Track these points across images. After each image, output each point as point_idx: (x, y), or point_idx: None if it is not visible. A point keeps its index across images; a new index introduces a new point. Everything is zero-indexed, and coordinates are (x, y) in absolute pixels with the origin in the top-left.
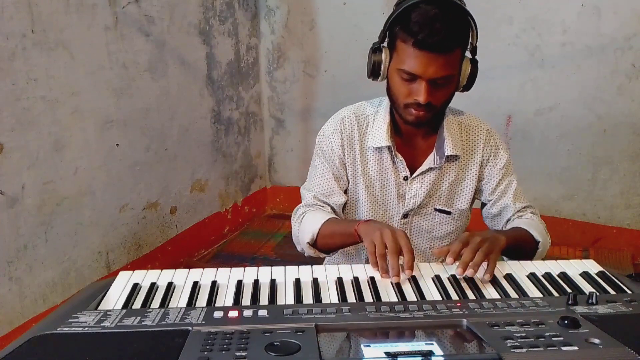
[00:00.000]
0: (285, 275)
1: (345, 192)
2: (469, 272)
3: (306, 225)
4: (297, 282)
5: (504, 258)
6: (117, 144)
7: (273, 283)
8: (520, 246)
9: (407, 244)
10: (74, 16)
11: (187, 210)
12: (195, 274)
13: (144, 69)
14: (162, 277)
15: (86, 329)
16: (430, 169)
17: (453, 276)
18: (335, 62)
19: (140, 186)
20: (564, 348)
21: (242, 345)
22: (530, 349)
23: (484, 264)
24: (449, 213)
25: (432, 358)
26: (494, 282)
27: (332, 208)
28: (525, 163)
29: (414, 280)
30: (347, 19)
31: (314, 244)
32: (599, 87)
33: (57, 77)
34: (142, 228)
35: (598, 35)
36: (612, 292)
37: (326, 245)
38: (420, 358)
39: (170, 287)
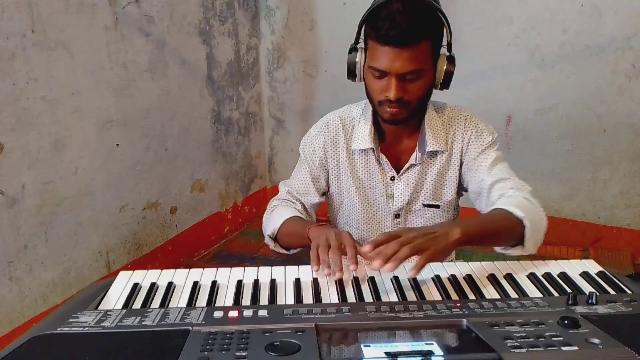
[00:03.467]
0: (285, 275)
1: (323, 194)
2: (386, 267)
3: (272, 219)
4: (297, 282)
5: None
6: (117, 144)
7: (273, 283)
8: (497, 230)
9: (349, 241)
10: (74, 16)
11: (187, 210)
12: (195, 274)
13: (144, 69)
14: (162, 277)
15: (86, 329)
16: (412, 166)
17: (453, 276)
18: (335, 62)
19: (140, 186)
20: (564, 348)
21: (242, 345)
22: (530, 349)
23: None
24: (437, 207)
25: (432, 358)
26: (494, 282)
27: (303, 206)
28: (525, 163)
29: (414, 280)
30: (347, 19)
31: (275, 238)
32: (599, 87)
33: (57, 77)
34: (142, 228)
35: (598, 35)
36: (612, 292)
37: (285, 242)
38: (420, 358)
39: (170, 287)
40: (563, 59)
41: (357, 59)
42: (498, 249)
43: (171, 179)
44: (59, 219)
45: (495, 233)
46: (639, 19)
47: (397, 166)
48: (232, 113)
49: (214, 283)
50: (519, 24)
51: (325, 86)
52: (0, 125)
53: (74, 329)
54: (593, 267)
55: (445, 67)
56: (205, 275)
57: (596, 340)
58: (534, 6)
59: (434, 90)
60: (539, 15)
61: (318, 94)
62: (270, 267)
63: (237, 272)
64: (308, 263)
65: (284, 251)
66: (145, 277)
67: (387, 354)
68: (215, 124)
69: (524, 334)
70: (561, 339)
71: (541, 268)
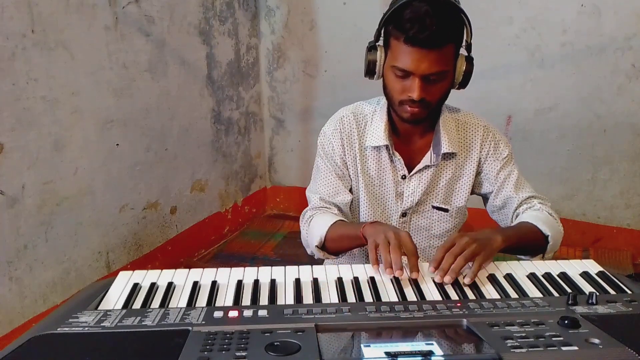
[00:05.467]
0: (285, 275)
1: (350, 190)
2: (445, 279)
3: (314, 228)
4: (297, 282)
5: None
6: (117, 144)
7: (273, 283)
8: (526, 242)
9: (411, 247)
10: (74, 16)
11: (187, 210)
12: (195, 274)
13: (144, 69)
14: (162, 277)
15: (86, 329)
16: (427, 167)
17: None
18: (335, 62)
19: (140, 186)
20: (563, 348)
21: (242, 345)
22: (530, 349)
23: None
24: (446, 210)
25: (432, 358)
26: (494, 282)
27: (338, 208)
28: (525, 163)
29: (414, 280)
30: (347, 19)
31: (322, 247)
32: (599, 87)
33: (57, 77)
34: (142, 228)
35: (598, 35)
36: (612, 292)
37: (334, 248)
38: (420, 358)
39: (170, 287)
40: (563, 59)
41: (377, 57)
42: (520, 256)
43: (171, 179)
44: (59, 219)
45: (525, 244)
46: (639, 19)
47: (409, 165)
48: (232, 113)
49: (214, 283)
50: (519, 24)
51: (325, 86)
52: (0, 125)
53: (74, 329)
54: (593, 267)
55: (464, 68)
56: (205, 276)
57: (596, 340)
58: (534, 6)
59: (458, 90)
60: (539, 15)
61: (318, 94)
62: (270, 267)
63: (237, 272)
64: (308, 263)
65: (334, 257)
66: (145, 277)
67: (387, 354)
68: (215, 124)
69: (524, 334)
70: (561, 339)
71: (541, 268)
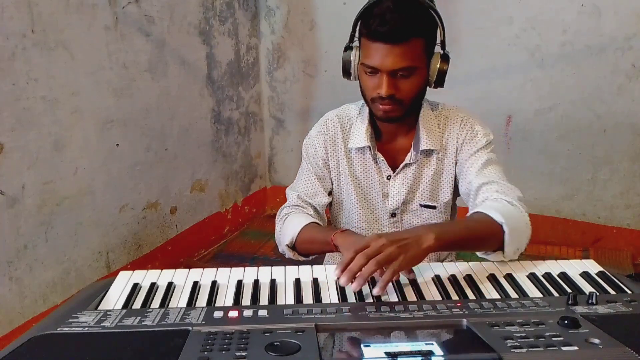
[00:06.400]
0: (285, 275)
1: (330, 193)
2: (353, 286)
3: (287, 227)
4: (297, 282)
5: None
6: (117, 144)
7: (273, 283)
8: (477, 235)
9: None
10: (74, 16)
11: (187, 210)
12: (195, 274)
13: (144, 69)
14: (162, 277)
15: (86, 329)
16: (408, 165)
17: (453, 276)
18: (335, 62)
19: (140, 186)
20: (564, 348)
21: (242, 345)
22: (530, 349)
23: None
24: (434, 207)
25: (432, 358)
26: (494, 282)
27: (314, 209)
28: (525, 163)
29: (414, 280)
30: (347, 19)
31: (293, 247)
32: (599, 87)
33: (57, 77)
34: (142, 228)
35: (598, 35)
36: (612, 292)
37: (304, 250)
38: (420, 358)
39: (170, 287)
40: (563, 59)
41: (351, 58)
42: (479, 254)
43: (171, 179)
44: (59, 219)
45: (473, 238)
46: (639, 19)
47: (394, 165)
48: (232, 113)
49: (214, 283)
50: (519, 24)
51: (325, 86)
52: (0, 125)
53: (74, 329)
54: (593, 267)
55: (438, 66)
56: (205, 275)
57: (596, 340)
58: (534, 6)
59: (433, 89)
60: (539, 15)
61: (318, 94)
62: (270, 267)
63: (237, 272)
64: (308, 263)
65: (303, 258)
66: (145, 277)
67: (387, 354)
68: (215, 124)
69: (524, 334)
70: (561, 339)
71: (541, 268)
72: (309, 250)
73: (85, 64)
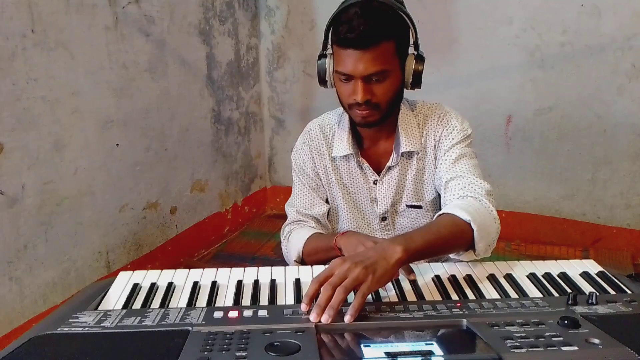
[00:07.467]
0: (285, 275)
1: (327, 200)
2: (323, 319)
3: (292, 244)
4: (297, 282)
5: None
6: (117, 144)
7: (273, 283)
8: (447, 238)
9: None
10: (74, 16)
11: (187, 210)
12: (195, 274)
13: (144, 69)
14: (162, 277)
15: (86, 329)
16: (391, 168)
17: (453, 276)
18: None
19: (140, 186)
20: (564, 348)
21: (242, 346)
22: (530, 349)
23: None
24: (420, 207)
25: (432, 358)
26: (494, 282)
27: (316, 220)
28: (525, 163)
29: (414, 281)
30: None
31: (302, 262)
32: (599, 87)
33: (57, 77)
34: (142, 228)
35: (598, 35)
36: (612, 292)
37: (312, 262)
38: (420, 358)
39: (170, 287)
40: (563, 59)
41: (326, 66)
42: (452, 256)
43: (171, 179)
44: (59, 219)
45: (442, 241)
46: (639, 19)
47: (379, 169)
48: (232, 113)
49: (214, 283)
50: (519, 24)
51: None
52: (0, 125)
53: (74, 329)
54: (593, 267)
55: (413, 67)
56: (205, 276)
57: (596, 340)
58: (534, 6)
59: (413, 90)
60: (539, 15)
61: (318, 94)
62: (270, 267)
63: (237, 272)
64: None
65: None
66: (145, 278)
67: (387, 354)
68: (215, 124)
69: (524, 334)
70: (561, 339)
71: (541, 268)
72: (317, 261)
73: (85, 64)
